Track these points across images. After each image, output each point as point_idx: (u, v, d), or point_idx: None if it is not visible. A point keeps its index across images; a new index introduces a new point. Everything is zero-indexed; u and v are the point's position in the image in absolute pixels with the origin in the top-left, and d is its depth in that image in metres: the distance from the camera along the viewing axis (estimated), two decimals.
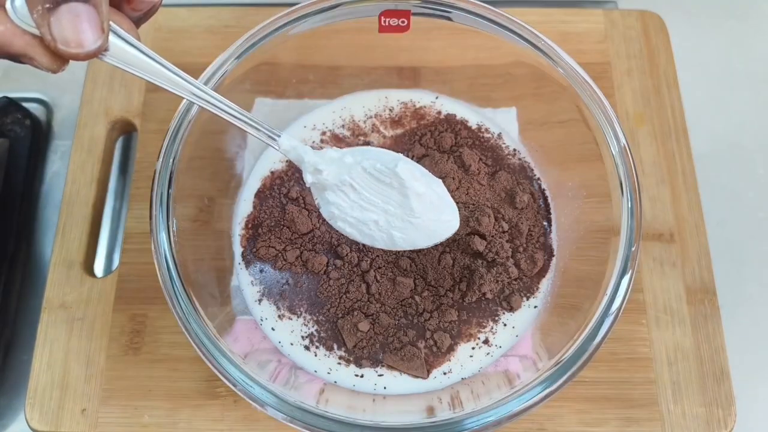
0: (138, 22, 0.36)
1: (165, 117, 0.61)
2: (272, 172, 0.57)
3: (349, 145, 0.57)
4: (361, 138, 0.58)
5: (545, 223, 0.55)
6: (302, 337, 0.51)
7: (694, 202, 0.58)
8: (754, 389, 0.57)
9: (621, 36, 0.65)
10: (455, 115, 0.59)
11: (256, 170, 0.57)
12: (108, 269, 0.62)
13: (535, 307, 0.52)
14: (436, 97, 0.60)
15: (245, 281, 0.53)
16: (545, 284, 0.53)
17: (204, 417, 0.52)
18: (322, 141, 0.58)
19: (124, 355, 0.53)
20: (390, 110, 0.59)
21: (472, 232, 0.52)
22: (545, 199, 0.56)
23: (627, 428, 0.51)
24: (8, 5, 0.32)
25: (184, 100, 0.48)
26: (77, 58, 0.33)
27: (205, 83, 0.49)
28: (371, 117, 0.59)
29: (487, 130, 0.58)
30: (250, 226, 0.55)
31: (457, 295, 0.51)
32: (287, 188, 0.56)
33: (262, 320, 0.52)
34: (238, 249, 0.54)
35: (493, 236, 0.52)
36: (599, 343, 0.43)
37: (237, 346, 0.46)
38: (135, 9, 0.36)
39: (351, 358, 0.50)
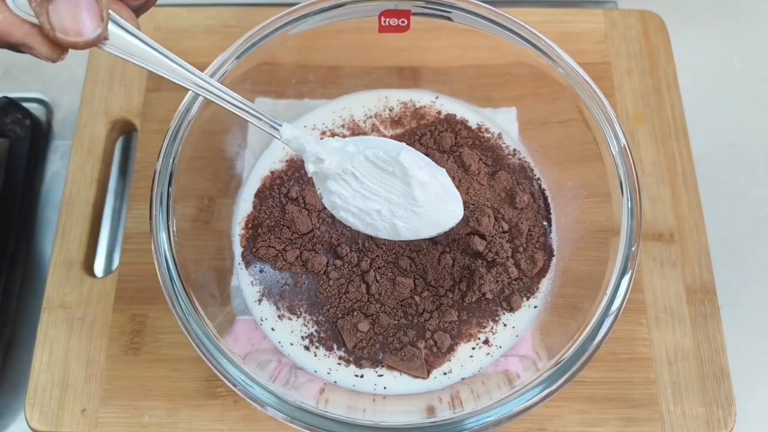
0: (138, 11, 0.36)
1: (165, 117, 0.61)
2: (272, 172, 0.57)
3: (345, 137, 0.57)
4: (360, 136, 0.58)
5: (545, 223, 0.55)
6: (302, 337, 0.51)
7: (694, 202, 0.58)
8: (754, 389, 0.57)
9: (621, 36, 0.65)
10: (455, 115, 0.59)
11: (256, 170, 0.57)
12: (108, 269, 0.62)
13: (535, 307, 0.52)
14: (436, 97, 0.60)
15: (245, 281, 0.53)
16: (545, 284, 0.53)
17: (204, 417, 0.52)
18: (321, 138, 0.58)
19: (124, 355, 0.53)
20: (390, 110, 0.59)
21: (472, 232, 0.52)
22: (545, 199, 0.56)
23: (627, 428, 0.51)
24: None
25: (184, 100, 0.48)
26: (76, 46, 0.32)
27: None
28: (371, 117, 0.59)
29: (487, 130, 0.58)
30: (250, 226, 0.55)
31: (457, 295, 0.51)
32: (287, 188, 0.56)
33: (262, 320, 0.52)
34: (238, 249, 0.54)
35: (493, 236, 0.52)
36: (599, 343, 0.43)
37: (237, 346, 0.46)
38: (136, 0, 0.36)
39: (351, 359, 0.50)
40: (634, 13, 0.66)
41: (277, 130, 0.45)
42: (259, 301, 0.52)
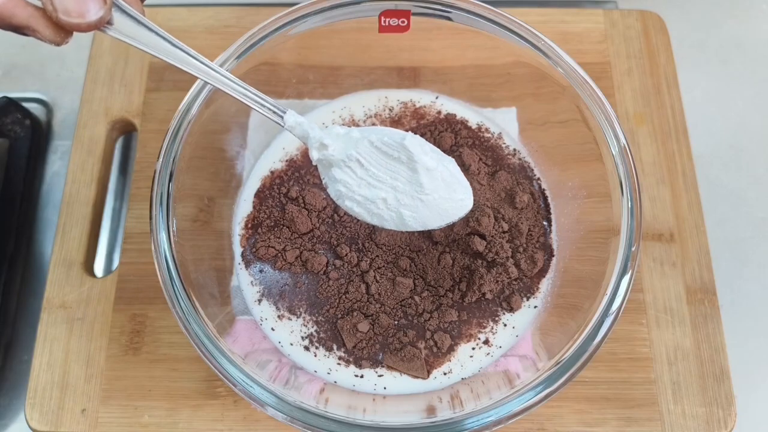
0: None
1: (165, 117, 0.61)
2: (272, 172, 0.57)
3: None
4: None
5: (545, 223, 0.55)
6: (302, 337, 0.51)
7: (694, 201, 0.58)
8: (754, 389, 0.57)
9: (621, 36, 0.65)
10: (455, 115, 0.59)
11: (256, 170, 0.57)
12: (108, 269, 0.62)
13: (535, 307, 0.52)
14: (436, 97, 0.60)
15: (245, 281, 0.53)
16: (545, 284, 0.53)
17: (204, 417, 0.52)
18: None
19: (124, 355, 0.53)
20: (390, 110, 0.59)
21: (472, 232, 0.52)
22: (545, 199, 0.56)
23: (627, 428, 0.51)
24: None
25: (184, 100, 0.48)
26: (79, 28, 0.33)
27: (205, 83, 0.49)
28: (371, 117, 0.59)
29: (487, 130, 0.58)
30: (249, 226, 0.55)
31: (457, 296, 0.51)
32: (287, 188, 0.56)
33: (261, 320, 0.52)
34: (237, 249, 0.54)
35: (493, 236, 0.52)
36: (599, 343, 0.43)
37: (237, 346, 0.46)
38: None
39: (351, 359, 0.50)
40: (634, 12, 0.66)
41: (281, 116, 0.44)
42: (259, 301, 0.52)
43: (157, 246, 0.45)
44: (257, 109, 0.44)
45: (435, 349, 0.50)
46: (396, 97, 0.60)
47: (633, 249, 0.45)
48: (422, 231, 0.49)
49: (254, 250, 0.54)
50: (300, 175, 0.56)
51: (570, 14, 0.66)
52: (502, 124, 0.59)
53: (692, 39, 0.71)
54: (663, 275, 0.56)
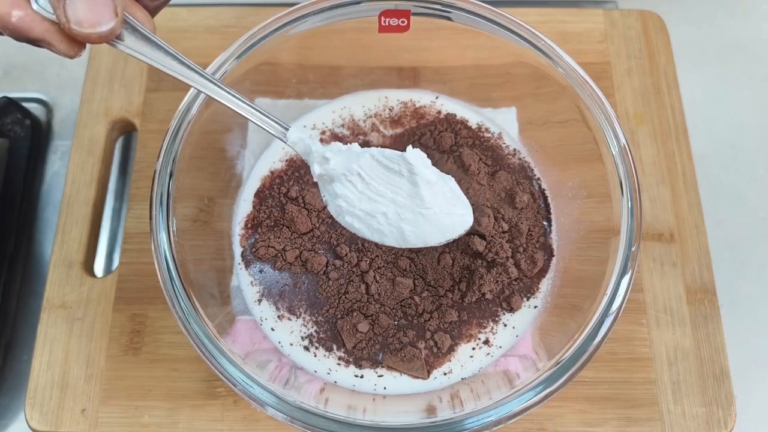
0: (154, 11, 0.37)
1: (165, 117, 0.61)
2: (272, 172, 0.57)
3: (349, 144, 0.57)
4: (361, 137, 0.58)
5: (545, 223, 0.55)
6: (302, 337, 0.51)
7: (694, 202, 0.58)
8: (755, 389, 0.57)
9: (621, 36, 0.65)
10: (455, 115, 0.59)
11: (256, 170, 0.57)
12: (108, 269, 0.62)
13: (535, 307, 0.52)
14: (436, 97, 0.60)
15: (245, 281, 0.53)
16: (545, 284, 0.53)
17: (204, 417, 0.52)
18: (321, 140, 0.58)
19: (124, 355, 0.53)
20: (390, 110, 0.59)
21: (471, 232, 0.52)
22: (545, 199, 0.56)
23: (627, 428, 0.51)
24: None
25: (184, 100, 0.48)
26: (90, 39, 0.34)
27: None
28: (371, 117, 0.59)
29: (487, 129, 0.58)
30: (249, 225, 0.55)
31: (456, 296, 0.51)
32: (287, 188, 0.56)
33: (261, 320, 0.52)
34: (237, 249, 0.54)
35: (492, 236, 0.52)
36: (599, 343, 0.43)
37: (237, 346, 0.46)
38: (153, 1, 0.38)
39: (350, 359, 0.50)
40: (634, 12, 0.66)
41: (284, 132, 0.45)
42: (259, 301, 0.52)
43: (157, 246, 0.45)
44: (262, 125, 0.44)
45: (435, 350, 0.50)
46: (396, 97, 0.60)
47: (633, 249, 0.45)
48: None
49: (254, 250, 0.54)
50: (300, 174, 0.56)
51: (570, 14, 0.66)
52: (502, 124, 0.59)
53: (692, 39, 0.71)
54: (663, 275, 0.56)
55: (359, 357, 0.50)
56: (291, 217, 0.53)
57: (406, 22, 0.53)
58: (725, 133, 0.67)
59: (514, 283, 0.52)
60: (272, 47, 0.52)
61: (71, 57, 0.35)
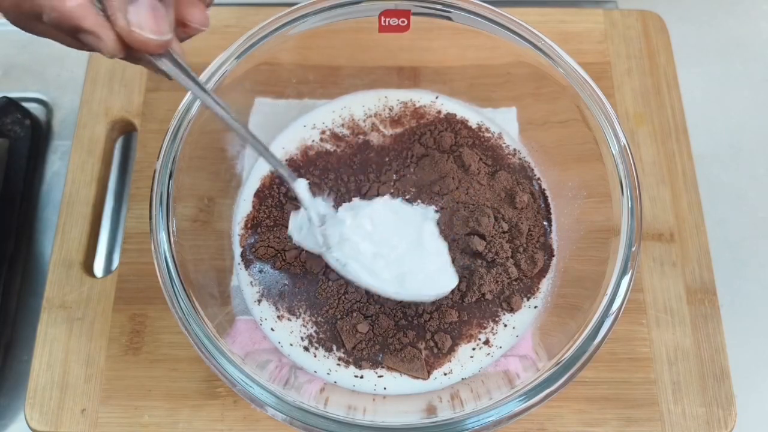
0: (182, 40, 0.39)
1: (165, 117, 0.61)
2: (272, 172, 0.57)
3: (348, 143, 0.57)
4: (361, 137, 0.58)
5: (545, 224, 0.55)
6: (301, 338, 0.51)
7: (694, 201, 0.58)
8: (755, 389, 0.57)
9: (621, 36, 0.65)
10: (455, 115, 0.59)
11: (256, 170, 0.57)
12: (108, 269, 0.62)
13: (535, 307, 0.52)
14: (436, 97, 0.60)
15: (245, 281, 0.53)
16: (545, 284, 0.53)
17: (204, 417, 0.52)
18: (321, 140, 0.58)
19: (124, 355, 0.53)
20: (390, 110, 0.59)
21: (471, 232, 0.52)
22: (545, 199, 0.56)
23: (627, 428, 0.51)
24: None
25: (184, 100, 0.49)
26: (148, 44, 0.35)
27: (206, 83, 0.49)
28: (371, 116, 0.59)
29: (487, 129, 0.58)
30: (249, 225, 0.55)
31: (456, 296, 0.51)
32: (286, 187, 0.55)
33: (261, 320, 0.52)
34: (237, 249, 0.54)
35: (492, 236, 0.52)
36: (599, 343, 0.43)
37: (237, 346, 0.46)
38: (186, 33, 0.39)
39: (350, 360, 0.50)
40: (634, 12, 0.66)
41: (293, 182, 0.47)
42: (259, 301, 0.52)
43: (157, 246, 0.45)
44: (274, 165, 0.46)
45: (435, 350, 0.50)
46: (396, 97, 0.60)
47: (633, 249, 0.45)
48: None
49: (253, 250, 0.53)
50: (299, 174, 0.56)
51: (570, 14, 0.66)
52: (502, 124, 0.59)
53: (692, 39, 0.71)
54: (663, 275, 0.56)
55: (359, 357, 0.50)
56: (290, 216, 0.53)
57: (406, 22, 0.53)
58: (725, 132, 0.67)
59: (515, 283, 0.52)
60: (272, 47, 0.52)
61: (112, 55, 0.35)
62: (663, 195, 0.58)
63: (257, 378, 0.43)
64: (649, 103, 0.62)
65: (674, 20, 0.66)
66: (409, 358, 0.50)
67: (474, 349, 0.51)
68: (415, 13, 0.52)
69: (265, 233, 0.54)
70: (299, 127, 0.58)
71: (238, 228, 0.55)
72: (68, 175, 0.59)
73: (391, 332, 0.51)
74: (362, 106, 0.59)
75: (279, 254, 0.53)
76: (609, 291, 0.45)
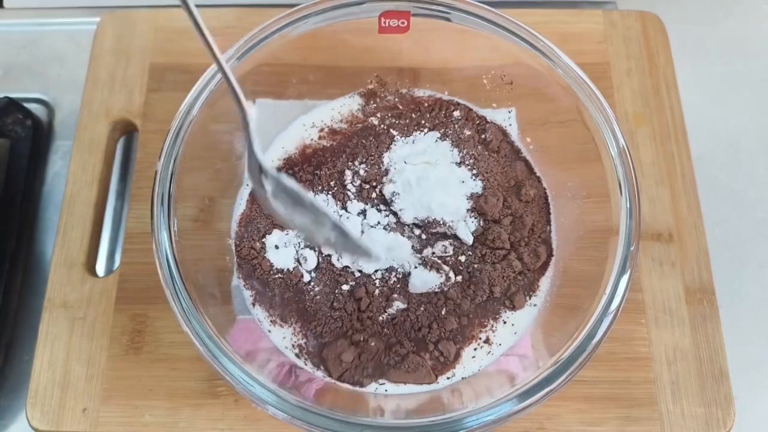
0: None
1: (166, 117, 0.60)
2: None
3: (345, 135, 0.58)
4: (359, 125, 0.58)
5: (546, 224, 0.55)
6: (293, 345, 0.51)
7: (693, 202, 0.58)
8: (753, 389, 0.57)
9: (620, 37, 0.65)
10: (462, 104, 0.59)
11: None
12: (109, 269, 0.62)
13: (535, 305, 0.52)
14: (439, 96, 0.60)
15: (242, 282, 0.53)
16: (545, 283, 0.53)
17: (205, 416, 0.52)
18: (319, 137, 0.58)
19: (125, 354, 0.53)
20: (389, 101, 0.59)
21: (476, 209, 0.52)
22: (546, 199, 0.56)
23: (626, 428, 0.52)
24: None
25: (186, 100, 0.49)
26: None
27: (206, 83, 0.50)
28: (371, 115, 0.59)
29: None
30: (243, 224, 0.55)
31: (460, 298, 0.51)
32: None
33: (260, 321, 0.52)
34: (234, 250, 0.54)
35: (497, 219, 0.53)
36: (598, 342, 0.44)
37: (237, 346, 0.46)
38: None
39: (342, 381, 0.50)
40: (633, 13, 0.66)
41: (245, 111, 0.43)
42: (253, 304, 0.53)
43: (158, 246, 0.45)
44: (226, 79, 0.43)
45: (442, 359, 0.50)
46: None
47: (632, 249, 0.45)
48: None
49: (238, 249, 0.54)
50: (294, 173, 0.56)
51: (569, 15, 0.66)
52: (502, 124, 0.59)
53: (691, 40, 0.71)
54: (662, 275, 0.56)
55: (351, 382, 0.50)
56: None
57: (406, 23, 0.53)
58: (724, 133, 0.67)
59: (519, 278, 0.52)
60: (273, 48, 0.52)
61: None
62: (662, 195, 0.59)
63: (258, 377, 0.43)
64: (648, 104, 0.62)
65: (673, 21, 0.66)
66: (413, 367, 0.49)
67: (476, 349, 0.51)
68: (415, 14, 0.53)
69: (253, 233, 0.54)
70: (299, 127, 0.59)
71: (236, 227, 0.55)
72: (69, 176, 0.59)
73: (382, 352, 0.50)
74: (361, 106, 0.59)
75: (258, 256, 0.53)
76: (608, 290, 0.45)
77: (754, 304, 0.61)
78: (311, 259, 0.52)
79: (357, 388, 0.50)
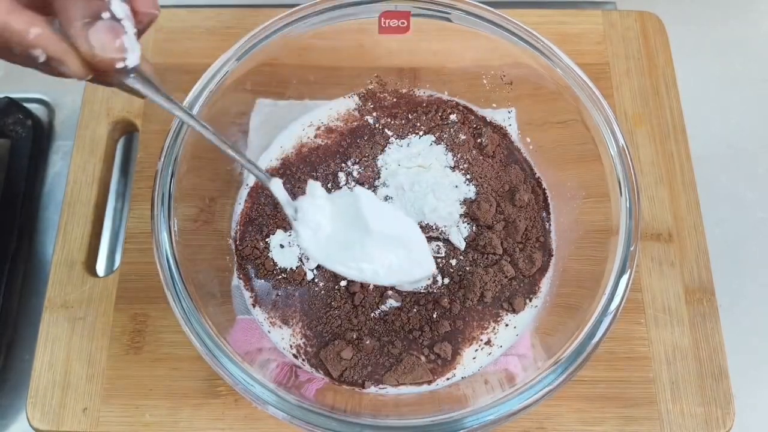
0: (139, 34, 0.38)
1: (166, 117, 0.60)
2: (266, 170, 0.57)
3: (341, 133, 0.58)
4: (354, 123, 0.58)
5: (546, 224, 0.55)
6: (290, 345, 0.51)
7: (692, 201, 0.58)
8: (753, 388, 0.57)
9: (620, 37, 0.65)
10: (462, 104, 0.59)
11: None
12: (109, 269, 0.62)
13: (535, 306, 0.53)
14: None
15: (242, 282, 0.53)
16: (545, 284, 0.53)
17: (205, 416, 0.52)
18: (316, 136, 0.58)
19: (126, 354, 0.54)
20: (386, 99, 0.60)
21: (468, 214, 0.52)
22: (545, 199, 0.56)
23: (625, 427, 0.52)
24: None
25: (186, 100, 0.49)
26: (111, 64, 0.35)
27: (207, 84, 0.49)
28: (371, 113, 0.59)
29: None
30: (244, 224, 0.55)
31: (455, 303, 0.51)
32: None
33: (260, 321, 0.52)
34: (234, 249, 0.54)
35: (489, 225, 0.53)
36: (598, 342, 0.44)
37: (237, 345, 0.46)
38: (140, 23, 0.38)
39: (341, 382, 0.50)
40: (633, 13, 0.66)
41: (267, 181, 0.46)
42: (253, 305, 0.53)
43: (158, 246, 0.45)
44: (249, 168, 0.46)
45: (439, 360, 0.50)
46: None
47: (631, 249, 0.45)
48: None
49: (240, 248, 0.54)
50: (292, 172, 0.56)
51: (569, 15, 0.66)
52: (502, 124, 0.59)
53: (691, 40, 0.71)
54: (661, 275, 0.56)
55: (350, 382, 0.50)
56: (282, 214, 0.53)
57: (405, 23, 0.53)
58: (724, 133, 0.67)
59: (514, 282, 0.53)
60: (273, 48, 0.52)
61: (80, 77, 0.35)
62: (661, 195, 0.59)
63: (258, 377, 0.43)
64: (647, 104, 0.62)
65: (673, 21, 0.66)
66: (409, 368, 0.49)
67: (476, 350, 0.51)
68: (414, 15, 0.53)
69: (255, 233, 0.54)
70: (298, 127, 0.59)
71: (236, 227, 0.55)
72: (70, 176, 0.59)
73: (377, 351, 0.50)
74: (360, 106, 0.60)
75: (261, 256, 0.53)
76: (607, 290, 0.45)
77: (753, 304, 0.61)
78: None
79: (357, 389, 0.50)
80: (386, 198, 0.54)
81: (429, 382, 0.50)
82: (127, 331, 0.54)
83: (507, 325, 0.52)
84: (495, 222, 0.53)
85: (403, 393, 0.50)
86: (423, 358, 0.50)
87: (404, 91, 0.60)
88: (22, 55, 0.34)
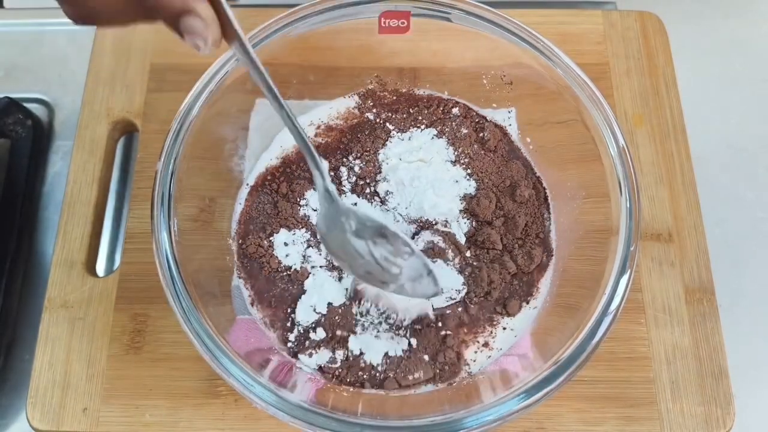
0: None
1: (166, 117, 0.61)
2: (266, 169, 0.57)
3: (341, 131, 0.58)
4: (354, 120, 0.58)
5: (546, 223, 0.55)
6: (291, 345, 0.51)
7: (692, 201, 0.58)
8: (753, 388, 0.57)
9: (620, 37, 0.65)
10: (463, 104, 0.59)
11: (256, 170, 0.57)
12: (109, 269, 0.62)
13: (535, 307, 0.53)
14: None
15: (242, 281, 0.53)
16: (544, 284, 0.53)
17: (205, 416, 0.52)
18: (316, 135, 0.58)
19: (126, 354, 0.54)
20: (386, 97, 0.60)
21: (468, 210, 0.52)
22: (546, 198, 0.56)
23: (626, 427, 0.52)
24: None
25: (186, 100, 0.49)
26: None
27: (207, 83, 0.49)
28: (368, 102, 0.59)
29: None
30: (244, 223, 0.55)
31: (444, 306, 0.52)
32: (277, 184, 0.56)
33: (260, 321, 0.52)
34: (236, 248, 0.54)
35: (489, 221, 0.53)
36: (598, 342, 0.44)
37: (238, 345, 0.46)
38: None
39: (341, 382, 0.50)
40: (633, 13, 0.66)
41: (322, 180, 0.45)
42: (252, 304, 0.53)
43: (158, 246, 0.45)
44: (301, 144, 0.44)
45: (439, 362, 0.50)
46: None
47: (632, 249, 0.46)
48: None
49: (243, 247, 0.54)
50: (291, 171, 0.56)
51: (569, 15, 0.66)
52: (502, 124, 0.59)
53: (691, 40, 0.71)
54: (662, 275, 0.56)
55: (350, 383, 0.50)
56: (285, 215, 0.53)
57: (405, 23, 0.53)
58: (724, 133, 0.67)
59: (514, 280, 0.52)
60: (273, 48, 0.52)
61: (202, 44, 0.38)
62: (661, 195, 0.59)
63: (258, 377, 0.43)
64: (647, 104, 0.62)
65: (673, 21, 0.66)
66: (410, 369, 0.49)
67: (476, 352, 0.51)
68: (414, 15, 0.53)
69: (259, 232, 0.54)
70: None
71: (236, 227, 0.55)
72: (70, 176, 0.59)
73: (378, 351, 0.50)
74: (359, 105, 0.60)
75: (266, 254, 0.53)
76: (608, 290, 0.45)
77: (753, 304, 0.61)
78: (317, 257, 0.53)
79: (357, 389, 0.50)
80: (387, 193, 0.54)
81: (429, 383, 0.50)
82: (127, 331, 0.54)
83: (504, 328, 0.52)
84: (494, 218, 0.53)
85: (404, 393, 0.50)
86: (425, 359, 0.50)
87: (404, 90, 0.60)
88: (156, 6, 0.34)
